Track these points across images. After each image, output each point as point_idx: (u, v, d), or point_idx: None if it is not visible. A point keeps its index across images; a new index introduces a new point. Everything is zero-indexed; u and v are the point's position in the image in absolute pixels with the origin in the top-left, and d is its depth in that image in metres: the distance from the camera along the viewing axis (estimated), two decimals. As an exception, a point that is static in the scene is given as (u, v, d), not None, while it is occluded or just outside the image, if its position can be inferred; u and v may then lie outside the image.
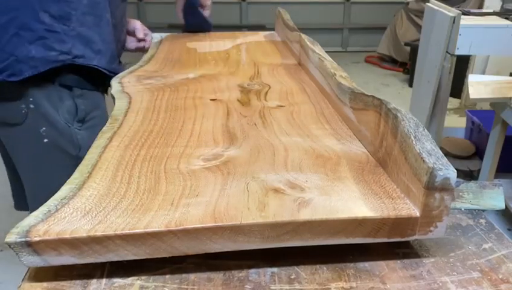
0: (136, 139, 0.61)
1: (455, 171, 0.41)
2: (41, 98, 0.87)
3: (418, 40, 2.12)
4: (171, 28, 4.47)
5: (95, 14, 0.90)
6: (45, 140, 0.89)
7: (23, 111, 0.86)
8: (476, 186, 0.58)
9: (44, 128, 0.88)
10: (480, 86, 1.51)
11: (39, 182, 0.94)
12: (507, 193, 1.81)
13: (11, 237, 0.40)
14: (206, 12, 1.29)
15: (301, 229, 0.43)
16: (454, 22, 1.63)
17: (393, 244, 0.47)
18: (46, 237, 0.40)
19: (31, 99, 0.86)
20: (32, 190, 0.97)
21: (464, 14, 1.67)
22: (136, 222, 0.42)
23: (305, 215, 0.43)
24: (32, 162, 0.93)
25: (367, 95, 0.58)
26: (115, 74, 0.92)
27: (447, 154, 2.16)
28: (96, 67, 0.90)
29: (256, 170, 0.52)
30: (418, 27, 3.64)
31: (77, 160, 0.89)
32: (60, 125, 0.89)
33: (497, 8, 1.91)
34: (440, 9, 1.75)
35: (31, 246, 0.41)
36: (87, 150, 0.85)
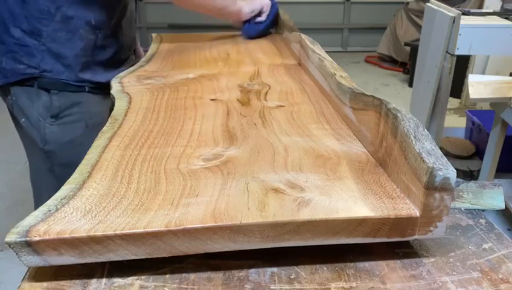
0: (136, 139, 0.61)
1: (455, 171, 0.41)
2: (20, 93, 0.93)
3: (418, 40, 2.12)
4: (171, 28, 4.47)
5: (67, 30, 0.90)
6: (25, 130, 0.96)
7: (10, 102, 0.95)
8: (476, 186, 0.58)
9: (23, 119, 0.95)
10: (480, 86, 1.51)
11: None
12: (507, 193, 1.81)
13: (11, 237, 0.40)
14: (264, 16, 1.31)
15: (301, 229, 0.43)
16: (454, 22, 1.63)
17: (393, 244, 0.47)
18: (46, 237, 0.40)
19: (12, 93, 0.93)
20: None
21: (464, 14, 1.67)
22: (136, 221, 0.42)
23: (305, 215, 0.43)
24: (23, 145, 1.03)
25: (367, 95, 0.58)
26: (93, 82, 0.94)
27: (447, 154, 2.16)
28: (63, 81, 0.92)
29: (256, 170, 0.52)
30: (418, 27, 3.64)
31: (44, 153, 0.95)
32: (33, 119, 0.93)
33: (497, 8, 1.91)
34: (440, 9, 1.75)
35: (31, 246, 0.41)
36: (56, 145, 0.94)
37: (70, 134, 0.93)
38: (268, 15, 1.26)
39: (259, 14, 1.26)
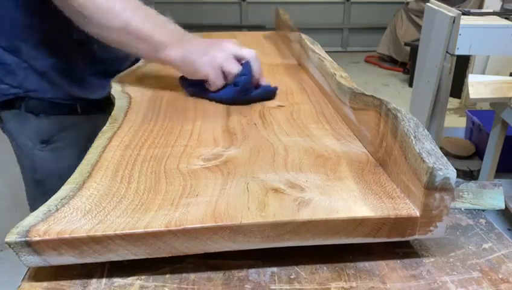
0: (136, 139, 0.61)
1: (455, 171, 0.41)
2: (9, 117, 0.84)
3: (418, 40, 2.13)
4: (171, 28, 4.47)
5: (49, 45, 0.80)
6: (16, 154, 0.88)
7: (0, 126, 0.87)
8: (476, 186, 0.58)
9: (14, 142, 0.87)
10: (480, 86, 1.51)
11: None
12: (507, 193, 1.81)
13: (11, 237, 0.40)
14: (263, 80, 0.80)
15: (301, 229, 0.43)
16: (454, 22, 1.63)
17: (393, 244, 0.47)
18: (46, 237, 0.40)
19: (1, 117, 0.85)
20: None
21: (464, 14, 1.67)
22: (136, 221, 0.42)
23: (305, 215, 0.43)
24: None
25: (367, 95, 0.58)
26: (86, 100, 0.85)
27: (447, 154, 2.16)
28: (52, 101, 0.83)
29: (256, 170, 0.52)
30: (418, 27, 3.64)
31: (34, 181, 0.86)
32: (22, 144, 0.85)
33: (497, 8, 1.91)
34: (440, 9, 1.75)
35: (31, 246, 0.41)
36: (46, 173, 0.84)
37: (62, 161, 0.82)
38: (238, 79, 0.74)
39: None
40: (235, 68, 0.73)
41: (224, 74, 0.74)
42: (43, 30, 0.80)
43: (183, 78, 0.79)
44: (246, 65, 0.74)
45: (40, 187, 0.86)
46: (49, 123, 0.84)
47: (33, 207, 0.90)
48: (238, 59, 0.74)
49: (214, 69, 0.73)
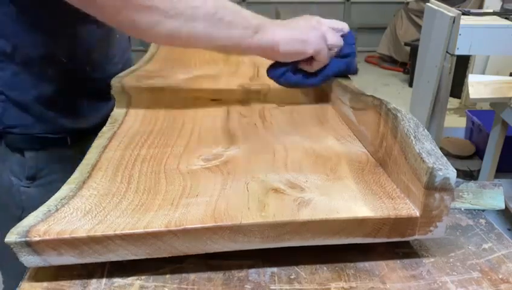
0: (136, 139, 0.61)
1: (455, 171, 0.41)
2: None
3: (418, 40, 2.12)
4: (171, 28, 4.46)
5: (31, 72, 0.68)
6: None
7: None
8: (476, 186, 0.58)
9: None
10: (480, 86, 1.51)
11: None
12: (507, 193, 1.81)
13: (11, 237, 0.40)
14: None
15: (301, 229, 0.43)
16: (454, 22, 1.63)
17: (393, 244, 0.47)
18: (46, 237, 0.40)
19: None
20: None
21: (464, 14, 1.67)
22: (136, 221, 0.42)
23: (305, 215, 0.43)
24: None
25: (367, 95, 0.58)
26: (75, 130, 0.74)
27: (447, 154, 2.16)
28: (37, 136, 0.71)
29: (256, 170, 0.52)
30: (418, 27, 3.64)
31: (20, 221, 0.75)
32: (5, 182, 0.73)
33: (497, 8, 1.91)
34: (440, 9, 1.75)
35: (31, 246, 0.41)
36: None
37: (49, 196, 0.67)
38: (322, 70, 0.70)
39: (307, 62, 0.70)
40: (340, 40, 0.69)
41: (328, 46, 0.68)
42: (25, 57, 0.67)
43: (274, 67, 0.71)
44: (350, 35, 0.71)
45: None
46: (35, 158, 0.73)
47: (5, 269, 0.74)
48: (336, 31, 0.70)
49: (324, 43, 0.67)
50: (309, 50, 0.66)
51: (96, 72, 0.77)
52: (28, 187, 0.73)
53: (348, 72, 0.72)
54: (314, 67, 0.69)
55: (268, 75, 0.73)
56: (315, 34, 0.66)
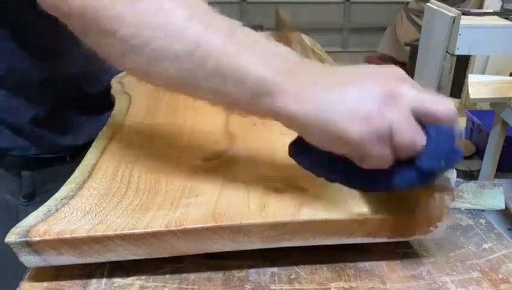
0: (136, 139, 0.61)
1: (455, 171, 0.41)
2: None
3: (418, 40, 2.12)
4: (171, 28, 4.46)
5: (25, 95, 0.65)
6: None
7: None
8: (476, 186, 0.58)
9: None
10: (480, 86, 1.51)
11: None
12: (507, 193, 1.81)
13: (11, 237, 0.41)
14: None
15: (301, 229, 0.43)
16: (454, 22, 1.63)
17: (393, 244, 0.47)
18: (46, 237, 0.40)
19: None
20: None
21: (464, 14, 1.67)
22: (136, 221, 0.42)
23: (305, 215, 0.43)
24: None
25: (367, 95, 0.58)
26: (74, 147, 0.71)
27: (447, 154, 2.15)
28: (35, 157, 0.68)
29: (256, 170, 0.52)
30: (418, 27, 3.64)
31: None
32: (0, 200, 0.69)
33: (497, 8, 1.91)
34: (440, 9, 1.75)
35: (31, 246, 0.41)
36: None
37: None
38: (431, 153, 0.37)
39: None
40: (418, 138, 0.37)
41: (395, 146, 0.37)
42: (17, 78, 0.64)
43: (299, 144, 0.44)
44: (443, 134, 0.37)
45: None
46: (32, 177, 0.70)
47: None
48: (422, 117, 0.37)
49: (377, 138, 0.36)
50: (341, 142, 0.37)
51: (93, 86, 0.75)
52: (26, 205, 0.69)
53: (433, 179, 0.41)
54: (367, 166, 0.39)
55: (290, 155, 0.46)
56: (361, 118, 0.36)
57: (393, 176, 0.39)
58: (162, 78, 0.42)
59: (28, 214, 0.63)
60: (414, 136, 0.36)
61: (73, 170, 0.59)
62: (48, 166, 0.70)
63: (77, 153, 0.69)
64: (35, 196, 0.70)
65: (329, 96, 0.37)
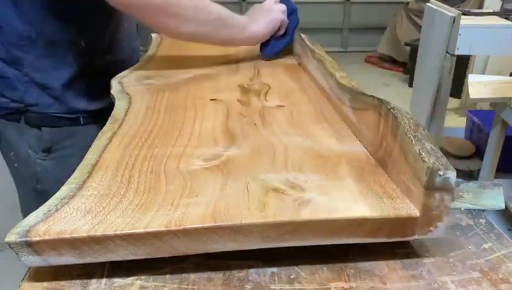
0: (136, 139, 0.61)
1: (455, 171, 0.41)
2: (6, 125, 0.82)
3: (418, 40, 2.12)
4: (171, 28, 4.46)
5: (53, 56, 0.78)
6: (15, 164, 0.85)
7: None
8: (476, 186, 0.58)
9: (12, 153, 0.84)
10: (480, 86, 1.51)
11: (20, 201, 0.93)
12: (507, 193, 1.81)
13: (11, 237, 0.40)
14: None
15: (301, 229, 0.43)
16: (454, 22, 1.63)
17: (393, 244, 0.47)
18: (46, 237, 0.40)
19: None
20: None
21: (464, 14, 1.67)
22: (136, 221, 0.42)
23: (305, 215, 0.43)
24: (13, 180, 0.91)
25: (367, 95, 0.58)
26: (88, 112, 0.84)
27: (447, 154, 2.16)
28: (53, 115, 0.81)
29: (256, 170, 0.52)
30: (418, 27, 3.64)
31: (36, 193, 0.83)
32: (22, 154, 0.83)
33: (497, 8, 1.91)
34: (440, 9, 1.75)
35: (31, 246, 0.41)
36: (49, 183, 0.80)
37: (65, 170, 0.72)
38: (286, 31, 1.01)
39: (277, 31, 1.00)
40: (284, 6, 0.97)
41: (280, 26, 0.97)
42: (47, 41, 0.77)
43: (263, 49, 1.01)
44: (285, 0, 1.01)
45: (42, 198, 0.75)
46: (50, 133, 0.82)
47: None
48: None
49: (283, 14, 0.96)
50: (276, 24, 0.95)
51: (108, 54, 0.87)
52: (44, 160, 0.82)
53: (298, 22, 1.04)
54: (282, 29, 0.98)
55: (263, 55, 1.01)
56: (274, 15, 0.95)
57: (290, 25, 1.01)
58: (203, 35, 0.84)
59: (44, 169, 0.82)
60: (282, 6, 0.96)
61: (85, 133, 0.80)
62: (64, 125, 0.83)
63: (89, 118, 0.85)
64: (52, 152, 0.83)
65: (258, 15, 0.94)
